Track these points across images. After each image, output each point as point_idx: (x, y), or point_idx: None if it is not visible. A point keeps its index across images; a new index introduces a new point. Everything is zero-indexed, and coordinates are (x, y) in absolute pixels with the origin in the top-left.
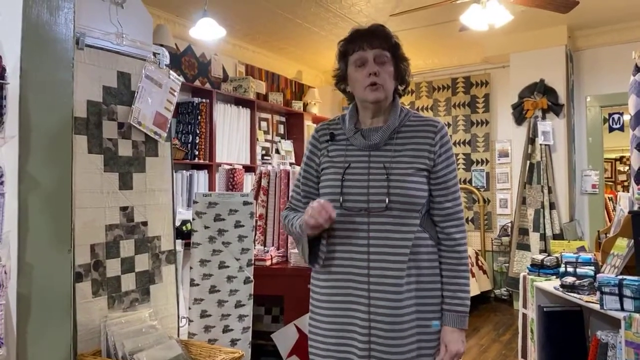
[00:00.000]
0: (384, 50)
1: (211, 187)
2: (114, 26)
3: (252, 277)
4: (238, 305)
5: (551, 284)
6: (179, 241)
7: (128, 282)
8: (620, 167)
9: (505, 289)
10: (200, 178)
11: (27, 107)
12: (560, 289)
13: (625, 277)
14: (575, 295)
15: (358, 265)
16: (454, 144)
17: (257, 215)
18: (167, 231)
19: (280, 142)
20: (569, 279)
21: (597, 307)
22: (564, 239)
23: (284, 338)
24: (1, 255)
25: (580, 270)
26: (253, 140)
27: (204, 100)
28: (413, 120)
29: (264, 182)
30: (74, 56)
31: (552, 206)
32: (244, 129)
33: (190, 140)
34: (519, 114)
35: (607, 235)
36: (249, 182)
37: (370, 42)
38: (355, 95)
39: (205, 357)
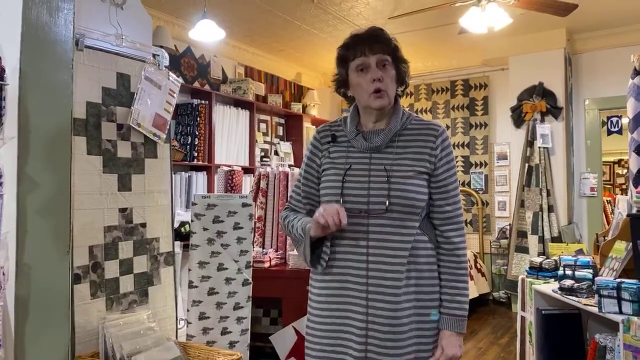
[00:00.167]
0: (385, 54)
1: (210, 188)
2: (113, 27)
3: (250, 279)
4: (236, 307)
5: (550, 287)
6: (177, 243)
7: (126, 284)
8: (619, 170)
9: (503, 292)
10: (199, 179)
11: (26, 108)
12: (559, 292)
13: (623, 280)
14: (573, 298)
15: (356, 267)
16: (453, 146)
17: (256, 217)
18: (166, 233)
19: (279, 143)
20: (568, 282)
21: (595, 310)
22: (562, 241)
23: (282, 340)
24: None
25: (579, 273)
26: (252, 141)
27: (203, 101)
28: (414, 123)
29: (262, 184)
30: (74, 57)
31: (550, 209)
32: (243, 131)
33: (189, 142)
34: (518, 117)
35: (606, 238)
36: (247, 183)
37: (372, 47)
38: (358, 101)
39: (204, 359)
